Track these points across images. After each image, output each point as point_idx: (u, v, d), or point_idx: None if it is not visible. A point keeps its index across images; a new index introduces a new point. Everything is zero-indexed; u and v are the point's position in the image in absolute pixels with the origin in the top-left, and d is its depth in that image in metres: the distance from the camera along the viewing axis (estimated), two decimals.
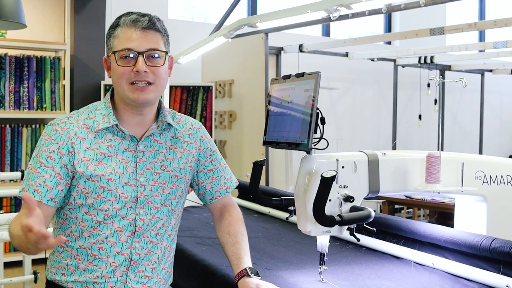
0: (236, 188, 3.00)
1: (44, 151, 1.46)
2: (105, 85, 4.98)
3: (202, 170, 1.68)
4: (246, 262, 1.56)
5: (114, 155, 1.50)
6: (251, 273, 1.51)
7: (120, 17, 1.53)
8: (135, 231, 1.52)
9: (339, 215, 1.46)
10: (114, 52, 1.49)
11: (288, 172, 5.40)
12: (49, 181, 1.45)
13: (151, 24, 1.50)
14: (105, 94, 4.96)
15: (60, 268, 1.52)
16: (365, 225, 1.54)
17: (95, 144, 1.50)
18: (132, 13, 1.53)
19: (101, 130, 1.51)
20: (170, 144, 1.60)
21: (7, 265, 3.69)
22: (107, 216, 1.49)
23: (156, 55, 1.50)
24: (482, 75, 7.46)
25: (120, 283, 1.51)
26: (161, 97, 1.64)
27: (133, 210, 1.51)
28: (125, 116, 1.55)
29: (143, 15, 1.51)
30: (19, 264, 3.75)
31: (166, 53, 1.54)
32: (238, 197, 3.06)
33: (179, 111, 5.18)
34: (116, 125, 1.52)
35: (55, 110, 4.84)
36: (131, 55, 1.48)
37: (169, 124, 1.60)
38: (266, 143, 1.66)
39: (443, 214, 5.04)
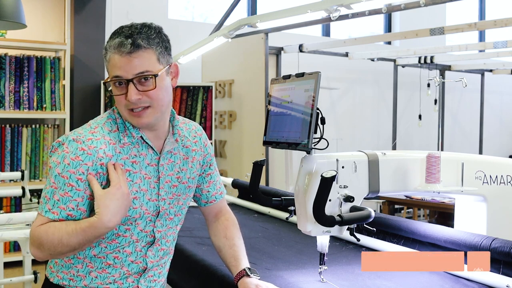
0: (236, 188, 3.04)
1: (73, 173, 1.37)
2: (106, 85, 4.98)
3: (201, 174, 1.69)
4: (245, 263, 1.56)
5: (138, 171, 1.47)
6: (251, 273, 1.51)
7: (109, 39, 1.44)
8: (152, 241, 1.52)
9: (339, 215, 1.46)
10: (108, 80, 1.44)
11: (288, 172, 5.40)
12: (82, 205, 1.39)
13: (134, 47, 1.38)
14: (105, 94, 4.97)
15: (69, 274, 1.49)
16: (365, 225, 1.54)
17: (120, 160, 1.43)
18: (118, 33, 1.41)
19: (127, 145, 1.46)
20: (183, 154, 1.59)
21: (7, 265, 3.68)
22: (127, 230, 1.47)
23: (147, 78, 1.41)
24: (482, 75, 7.46)
25: None
26: None
27: (152, 222, 1.51)
28: (141, 132, 1.50)
29: (129, 35, 1.39)
30: (19, 264, 3.75)
31: (166, 68, 1.45)
32: (238, 197, 3.06)
33: (179, 111, 5.18)
34: (141, 137, 1.47)
35: (55, 110, 4.84)
36: (122, 83, 1.41)
37: (186, 137, 1.60)
38: (266, 143, 1.66)
39: (443, 214, 5.03)
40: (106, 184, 1.41)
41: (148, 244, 1.52)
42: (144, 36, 1.41)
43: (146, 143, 1.49)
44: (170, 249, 1.61)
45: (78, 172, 1.38)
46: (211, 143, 5.29)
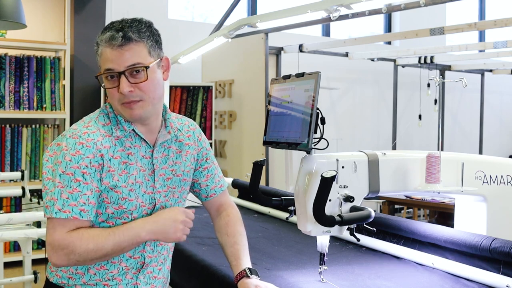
0: (236, 188, 3.04)
1: (76, 168, 1.38)
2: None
3: (198, 169, 1.69)
4: (245, 263, 1.56)
5: (134, 163, 1.48)
6: (251, 274, 1.51)
7: (100, 33, 1.46)
8: None
9: (339, 215, 1.46)
10: (100, 74, 1.46)
11: (288, 172, 5.40)
12: (92, 198, 1.40)
13: (125, 40, 1.41)
14: (105, 94, 4.97)
15: (67, 272, 1.50)
16: (365, 225, 1.54)
17: (117, 152, 1.46)
18: (109, 28, 1.44)
19: (120, 138, 1.48)
20: (176, 148, 1.60)
21: (7, 265, 3.68)
22: (124, 224, 1.47)
23: (138, 71, 1.43)
24: (482, 75, 7.46)
25: (131, 285, 1.52)
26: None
27: (148, 215, 1.51)
28: (135, 125, 1.52)
29: (120, 29, 1.42)
30: (19, 264, 3.75)
31: (157, 61, 1.48)
32: (238, 197, 3.06)
33: (179, 111, 5.18)
34: (133, 130, 1.49)
35: (55, 110, 4.84)
36: (113, 76, 1.43)
37: (178, 129, 1.61)
38: (266, 143, 1.66)
39: (443, 214, 5.03)
40: (106, 175, 1.42)
41: None
42: (135, 29, 1.43)
43: (139, 136, 1.50)
44: (170, 245, 1.62)
45: (82, 166, 1.39)
46: (211, 143, 5.33)
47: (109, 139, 1.46)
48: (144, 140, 1.51)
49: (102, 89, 4.96)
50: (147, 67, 1.44)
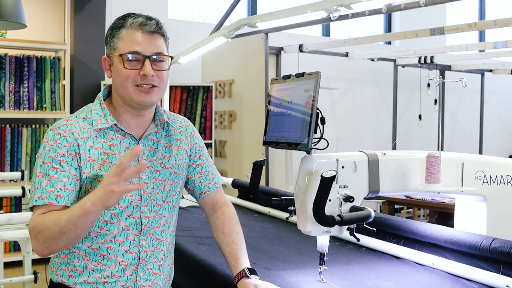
0: (236, 188, 3.04)
1: (54, 157, 1.44)
2: (105, 85, 4.97)
3: (191, 165, 1.71)
4: (244, 262, 1.57)
5: (117, 153, 1.51)
6: (250, 274, 1.51)
7: (124, 18, 1.52)
8: (141, 229, 1.54)
9: (339, 215, 1.46)
10: (120, 55, 1.49)
11: (288, 172, 5.40)
12: (68, 184, 1.43)
13: (158, 28, 1.51)
14: None
15: (67, 270, 1.52)
16: (365, 225, 1.54)
17: (98, 143, 1.50)
18: (137, 15, 1.53)
19: (102, 130, 1.52)
20: (165, 142, 1.63)
21: (7, 265, 3.69)
22: (113, 215, 1.50)
23: (162, 59, 1.52)
24: (482, 75, 7.46)
25: (130, 281, 1.53)
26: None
27: (138, 208, 1.53)
28: (125, 117, 1.55)
29: (149, 18, 1.52)
30: (19, 264, 3.75)
31: (172, 58, 1.57)
32: (238, 197, 3.06)
33: (179, 111, 5.18)
34: (115, 124, 1.53)
35: (55, 110, 4.84)
36: (138, 59, 1.49)
37: (167, 122, 1.63)
38: (266, 143, 1.66)
39: (443, 214, 5.03)
40: (85, 165, 1.46)
41: (139, 232, 1.54)
42: (161, 23, 1.54)
43: (122, 130, 1.53)
44: (168, 241, 1.62)
45: (59, 155, 1.45)
46: (211, 143, 5.33)
47: (88, 131, 1.50)
48: (128, 134, 1.54)
49: (102, 89, 4.97)
50: (171, 57, 1.55)
